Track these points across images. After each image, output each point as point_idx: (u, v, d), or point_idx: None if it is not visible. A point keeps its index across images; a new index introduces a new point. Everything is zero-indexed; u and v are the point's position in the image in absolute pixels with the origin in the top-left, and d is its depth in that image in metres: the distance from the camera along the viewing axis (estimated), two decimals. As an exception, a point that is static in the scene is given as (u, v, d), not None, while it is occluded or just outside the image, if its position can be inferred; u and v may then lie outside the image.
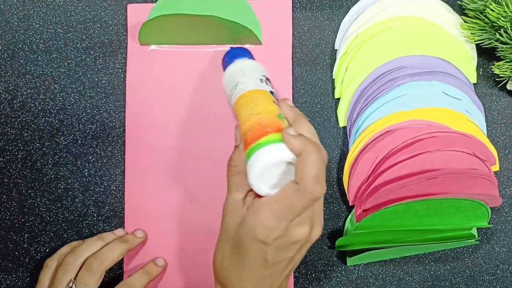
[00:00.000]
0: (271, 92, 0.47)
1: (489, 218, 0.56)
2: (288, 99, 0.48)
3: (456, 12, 0.60)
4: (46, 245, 0.58)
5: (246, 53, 0.52)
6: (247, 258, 0.43)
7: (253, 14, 0.59)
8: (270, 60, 0.59)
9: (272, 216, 0.41)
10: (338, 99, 0.59)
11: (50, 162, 0.59)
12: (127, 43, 0.60)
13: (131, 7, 0.60)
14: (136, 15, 0.60)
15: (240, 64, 0.50)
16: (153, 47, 0.60)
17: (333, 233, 0.58)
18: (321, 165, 0.40)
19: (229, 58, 0.51)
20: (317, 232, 0.44)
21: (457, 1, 0.60)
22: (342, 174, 0.58)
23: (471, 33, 0.58)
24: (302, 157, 0.40)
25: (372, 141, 0.55)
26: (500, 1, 0.54)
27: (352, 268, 0.58)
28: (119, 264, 0.57)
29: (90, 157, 0.59)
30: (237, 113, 0.46)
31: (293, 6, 0.60)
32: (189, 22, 0.56)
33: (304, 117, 0.45)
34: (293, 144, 0.41)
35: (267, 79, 0.49)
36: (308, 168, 0.40)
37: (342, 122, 0.59)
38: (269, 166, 0.41)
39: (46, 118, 0.60)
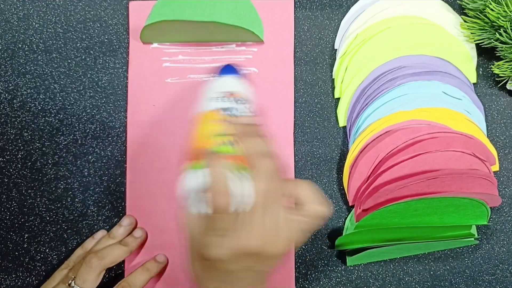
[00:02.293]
0: (225, 109, 0.47)
1: (489, 217, 0.56)
2: (243, 117, 0.47)
3: (456, 12, 0.60)
4: (46, 245, 0.58)
5: (226, 71, 0.52)
6: (213, 270, 0.43)
7: (255, 12, 0.59)
8: (272, 58, 0.59)
9: (198, 234, 0.43)
10: (338, 98, 0.59)
11: (50, 162, 0.59)
12: (129, 41, 0.60)
13: (132, 4, 0.60)
14: (138, 12, 0.60)
15: (205, 85, 0.51)
16: (155, 45, 0.60)
17: (333, 232, 0.58)
18: (223, 182, 0.41)
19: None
20: (247, 243, 0.42)
21: (457, 1, 0.60)
22: (342, 174, 0.58)
23: (471, 33, 0.58)
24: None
25: (372, 141, 0.55)
26: (500, 0, 0.54)
27: (352, 268, 0.58)
28: (120, 263, 0.57)
29: (90, 157, 0.59)
30: None
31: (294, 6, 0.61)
32: (191, 23, 0.56)
33: (248, 133, 0.44)
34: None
35: (231, 93, 0.49)
36: (213, 184, 0.41)
37: (342, 122, 0.59)
38: (185, 191, 0.43)
39: (46, 118, 0.60)
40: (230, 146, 0.44)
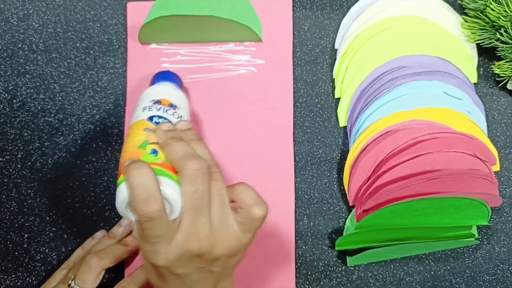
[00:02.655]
0: (151, 117, 0.47)
1: (489, 217, 0.55)
2: (164, 124, 0.46)
3: (457, 12, 0.60)
4: (46, 245, 0.58)
5: (158, 78, 0.53)
6: (166, 276, 0.43)
7: (253, 12, 0.59)
8: (270, 58, 0.59)
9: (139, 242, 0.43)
10: (338, 98, 0.59)
11: (50, 162, 0.59)
12: (127, 42, 0.60)
13: (130, 5, 0.60)
14: (136, 13, 0.60)
15: (140, 96, 0.51)
16: (153, 45, 0.60)
17: (333, 233, 0.58)
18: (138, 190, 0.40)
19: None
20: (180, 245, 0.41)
21: (458, 1, 0.60)
22: (342, 174, 0.58)
23: (472, 33, 0.58)
24: None
25: (372, 141, 0.55)
26: (501, 0, 0.54)
27: (352, 268, 0.58)
28: (120, 263, 0.57)
29: (89, 157, 0.59)
30: None
31: (293, 6, 0.60)
32: (189, 21, 0.56)
33: (170, 139, 0.44)
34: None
35: (158, 101, 0.49)
36: (132, 194, 0.41)
37: (342, 122, 0.59)
38: (120, 205, 0.43)
39: (46, 118, 0.60)
40: (153, 155, 0.44)
